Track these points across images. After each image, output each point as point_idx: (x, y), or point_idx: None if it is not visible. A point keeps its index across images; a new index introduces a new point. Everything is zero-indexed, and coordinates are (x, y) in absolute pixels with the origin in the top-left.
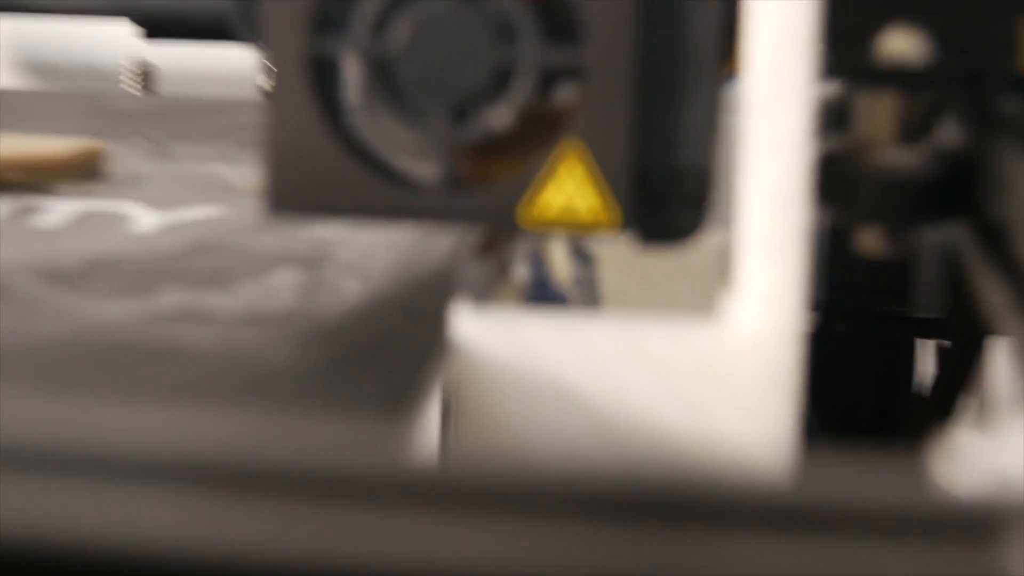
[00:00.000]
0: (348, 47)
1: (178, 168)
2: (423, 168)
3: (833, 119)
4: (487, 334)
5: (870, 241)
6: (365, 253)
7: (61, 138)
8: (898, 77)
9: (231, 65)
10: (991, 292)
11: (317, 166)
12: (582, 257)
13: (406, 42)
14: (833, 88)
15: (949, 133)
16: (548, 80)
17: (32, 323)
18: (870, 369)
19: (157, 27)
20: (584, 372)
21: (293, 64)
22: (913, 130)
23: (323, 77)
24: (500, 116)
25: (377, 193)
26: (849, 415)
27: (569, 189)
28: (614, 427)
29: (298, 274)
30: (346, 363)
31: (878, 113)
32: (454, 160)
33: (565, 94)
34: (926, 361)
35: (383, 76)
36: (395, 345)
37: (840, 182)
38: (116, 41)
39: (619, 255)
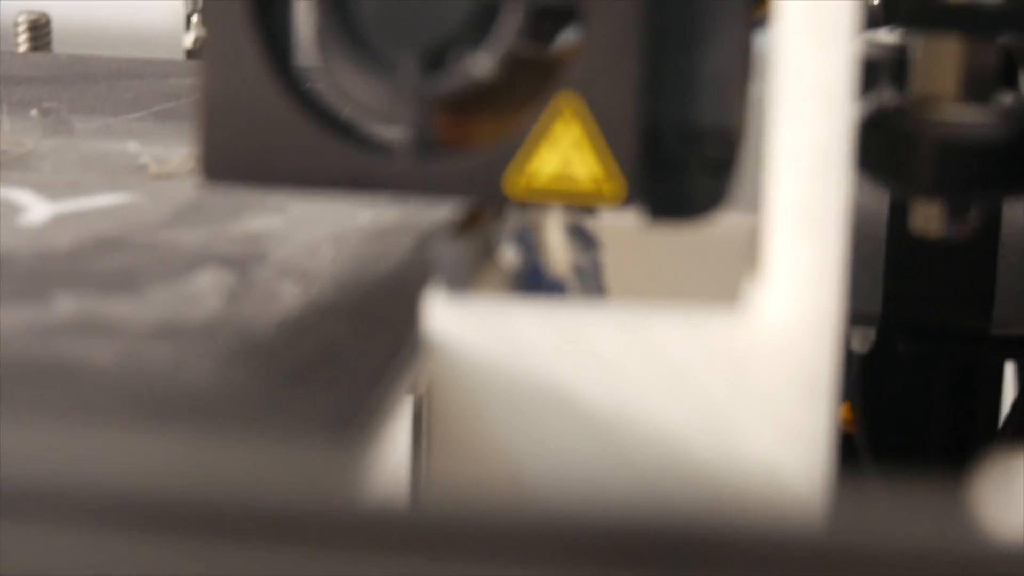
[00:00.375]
0: None
1: (78, 146)
2: (391, 130)
3: (888, 73)
4: (468, 328)
5: (929, 219)
6: (307, 251)
7: None
8: (964, 18)
9: (141, 18)
10: None
11: (262, 125)
12: (583, 239)
13: None
14: (888, 35)
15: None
16: (540, 22)
17: None
18: (941, 399)
19: None
20: (584, 374)
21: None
22: (982, 85)
23: (269, 16)
24: (482, 64)
25: (335, 158)
26: (916, 455)
27: (565, 153)
28: (619, 440)
29: (224, 277)
30: (282, 383)
31: (941, 63)
32: (427, 118)
33: (560, 40)
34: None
35: (340, 15)
36: (343, 362)
37: (894, 146)
38: None
39: (627, 236)
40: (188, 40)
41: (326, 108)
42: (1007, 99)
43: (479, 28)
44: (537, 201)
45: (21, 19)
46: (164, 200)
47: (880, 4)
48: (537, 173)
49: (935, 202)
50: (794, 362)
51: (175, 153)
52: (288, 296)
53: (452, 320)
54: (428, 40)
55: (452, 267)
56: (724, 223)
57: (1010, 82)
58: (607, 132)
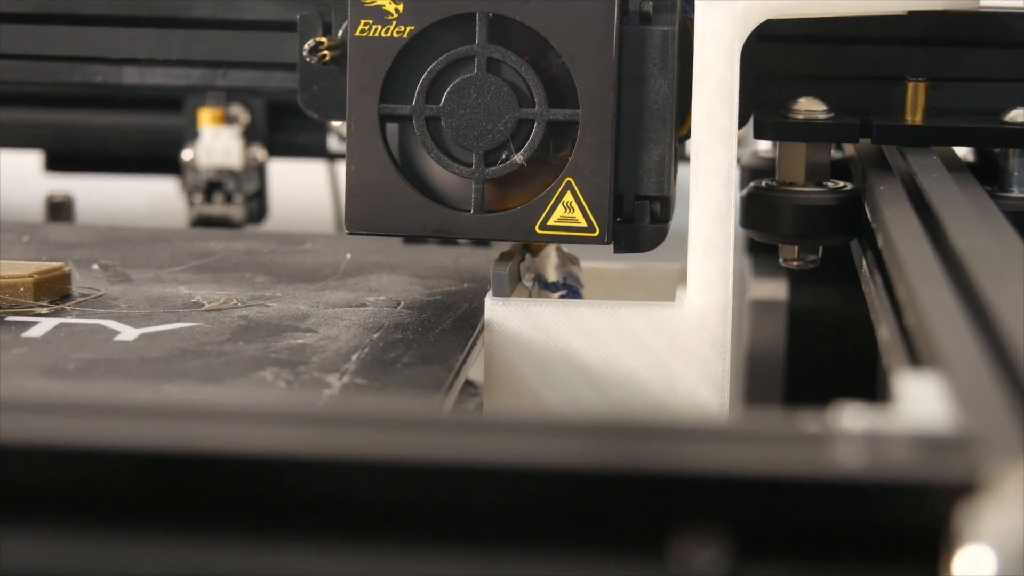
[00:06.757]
0: (407, 108)
1: (139, 290)
2: (461, 199)
3: (767, 173)
4: (510, 315)
5: (789, 257)
6: (339, 356)
7: (25, 261)
8: (806, 131)
9: (142, 201)
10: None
11: (384, 197)
12: (572, 280)
13: (449, 104)
14: (768, 149)
15: (846, 176)
16: (548, 140)
17: None
18: None
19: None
20: (582, 341)
21: (368, 121)
22: (819, 172)
23: (386, 130)
24: (518, 160)
25: (429, 216)
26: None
27: (567, 211)
28: (603, 380)
29: (281, 372)
30: None
31: (794, 160)
32: (484, 192)
33: (560, 151)
34: None
35: (432, 129)
36: None
37: (766, 211)
38: (19, 173)
39: (599, 277)
40: (191, 214)
41: (423, 185)
42: (836, 183)
43: (517, 139)
44: (549, 240)
45: (50, 200)
46: (221, 325)
47: (753, 123)
48: (550, 223)
49: (792, 245)
50: (705, 332)
51: (219, 294)
52: (332, 382)
53: (500, 311)
54: (487, 147)
55: (500, 280)
56: (661, 270)
57: (847, 177)
58: (590, 199)
